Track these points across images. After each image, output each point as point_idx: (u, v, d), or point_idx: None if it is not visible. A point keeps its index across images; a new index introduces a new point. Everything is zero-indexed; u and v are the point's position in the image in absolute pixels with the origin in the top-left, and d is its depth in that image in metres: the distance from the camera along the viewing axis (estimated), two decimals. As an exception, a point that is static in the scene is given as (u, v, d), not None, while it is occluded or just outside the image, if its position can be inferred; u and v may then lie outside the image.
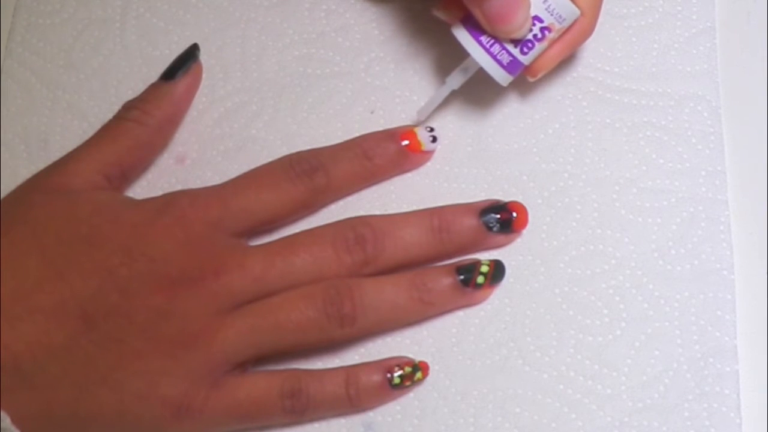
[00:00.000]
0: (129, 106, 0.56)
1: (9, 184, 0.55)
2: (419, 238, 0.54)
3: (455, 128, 0.58)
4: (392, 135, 0.57)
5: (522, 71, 0.54)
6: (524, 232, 0.56)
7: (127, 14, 0.61)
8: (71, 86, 0.60)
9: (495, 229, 0.55)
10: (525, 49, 0.53)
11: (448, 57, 0.59)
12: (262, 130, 0.58)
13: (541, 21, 0.52)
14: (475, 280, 0.54)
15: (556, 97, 0.59)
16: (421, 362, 0.54)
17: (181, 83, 0.57)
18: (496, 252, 0.56)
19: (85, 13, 0.61)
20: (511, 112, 0.58)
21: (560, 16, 0.53)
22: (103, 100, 0.59)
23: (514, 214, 0.55)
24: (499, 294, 0.55)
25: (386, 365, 0.53)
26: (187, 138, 0.58)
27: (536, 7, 0.52)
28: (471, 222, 0.55)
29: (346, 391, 0.52)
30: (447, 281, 0.54)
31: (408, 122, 0.58)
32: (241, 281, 0.51)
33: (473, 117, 0.58)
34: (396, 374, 0.53)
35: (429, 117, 0.57)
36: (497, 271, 0.55)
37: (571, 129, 0.58)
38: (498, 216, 0.55)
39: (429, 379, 0.54)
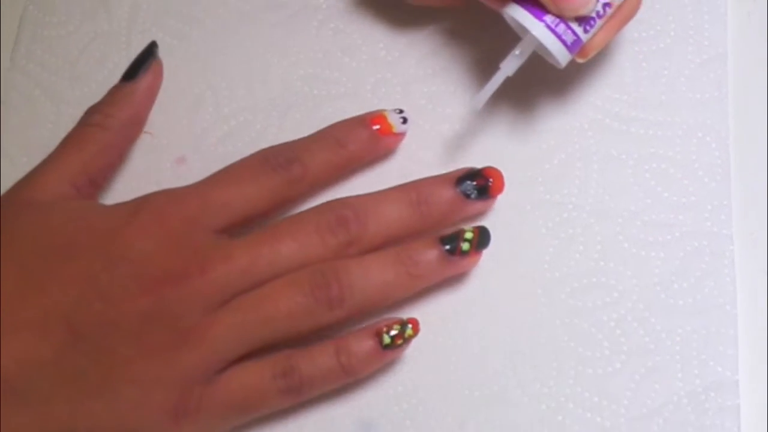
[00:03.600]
0: (91, 111, 0.58)
1: None
2: (400, 213, 0.56)
3: (461, 153, 0.60)
4: (363, 120, 0.59)
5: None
6: (527, 262, 0.58)
7: (132, 28, 0.63)
8: (75, 99, 0.62)
9: (473, 196, 0.57)
10: (588, 27, 0.54)
11: (456, 80, 0.62)
12: (267, 151, 0.61)
13: None
14: (461, 248, 0.56)
15: (563, 126, 0.60)
16: (409, 319, 0.56)
17: (142, 82, 0.59)
18: (494, 273, 0.58)
19: (91, 26, 0.64)
20: (517, 141, 0.60)
21: None
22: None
23: (490, 180, 0.57)
24: (499, 324, 0.57)
25: (375, 328, 0.55)
26: (190, 156, 0.61)
27: None
28: (448, 192, 0.57)
29: (338, 360, 0.54)
30: (433, 252, 0.56)
31: (414, 145, 0.61)
32: (227, 275, 0.52)
33: (479, 146, 0.60)
34: (386, 334, 0.55)
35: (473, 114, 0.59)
36: (482, 236, 0.57)
37: (576, 160, 0.60)
38: (474, 183, 0.57)
39: (427, 407, 0.56)
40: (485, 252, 0.58)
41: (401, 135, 0.60)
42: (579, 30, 0.54)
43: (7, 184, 0.59)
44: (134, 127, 0.60)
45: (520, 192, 0.60)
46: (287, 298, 0.53)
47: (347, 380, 0.56)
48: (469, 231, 0.56)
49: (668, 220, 0.59)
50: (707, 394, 0.56)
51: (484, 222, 0.59)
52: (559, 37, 0.53)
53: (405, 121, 0.60)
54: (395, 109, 0.60)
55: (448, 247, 0.56)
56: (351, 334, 0.55)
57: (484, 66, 0.62)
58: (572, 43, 0.54)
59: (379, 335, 0.55)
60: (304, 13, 0.64)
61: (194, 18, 0.64)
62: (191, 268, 0.52)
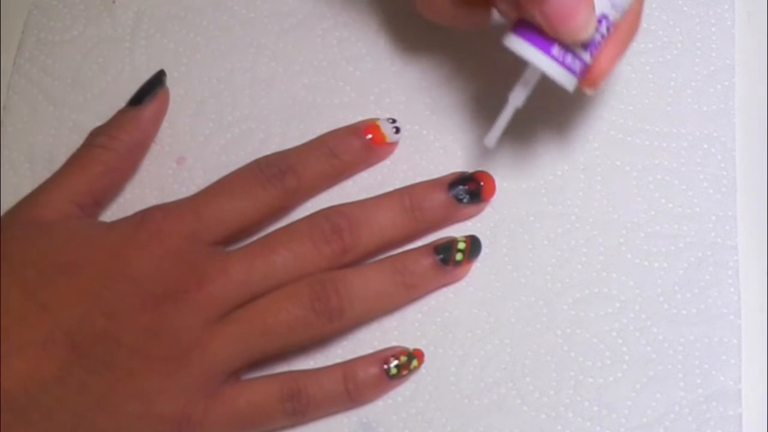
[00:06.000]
0: (97, 133, 0.60)
1: (11, 202, 0.58)
2: (393, 220, 0.58)
3: (463, 166, 0.61)
4: (356, 130, 0.61)
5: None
6: (529, 273, 0.59)
7: (136, 34, 0.65)
8: (78, 105, 0.63)
9: (465, 200, 0.59)
10: (593, 51, 0.53)
11: (462, 92, 0.63)
12: (269, 160, 0.61)
13: (607, 18, 0.52)
14: (454, 258, 0.58)
15: (566, 137, 0.62)
16: (415, 350, 0.58)
17: (148, 109, 0.61)
18: (496, 283, 0.59)
19: (95, 31, 0.65)
20: (520, 151, 0.62)
21: (623, 9, 0.53)
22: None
23: (482, 183, 0.60)
24: (499, 334, 0.58)
25: (382, 357, 0.57)
26: (192, 164, 0.62)
27: (602, 5, 0.52)
28: (441, 196, 0.59)
29: (345, 387, 0.56)
30: (427, 262, 0.58)
31: (417, 156, 0.62)
32: (225, 288, 0.54)
33: (482, 156, 0.62)
34: (392, 365, 0.57)
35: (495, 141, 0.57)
36: (474, 246, 0.59)
37: (580, 171, 0.61)
38: (466, 187, 0.59)
39: (426, 417, 0.57)
40: (487, 261, 0.60)
41: (394, 145, 0.62)
42: (586, 56, 0.53)
43: (8, 189, 0.61)
44: (139, 151, 0.61)
45: (522, 202, 0.61)
46: (286, 310, 0.55)
47: (351, 406, 0.57)
48: (462, 241, 0.59)
49: (672, 231, 0.60)
50: (709, 403, 0.57)
51: (487, 232, 0.60)
52: (568, 68, 0.53)
53: (398, 130, 0.61)
54: (388, 119, 0.62)
55: (441, 256, 0.58)
56: (358, 360, 0.58)
57: (488, 77, 0.63)
58: (580, 71, 0.53)
59: (386, 364, 0.57)
60: (308, 21, 0.65)
61: (198, 25, 0.65)
62: (189, 283, 0.54)
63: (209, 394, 0.54)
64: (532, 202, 0.61)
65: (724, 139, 0.62)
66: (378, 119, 0.61)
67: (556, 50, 0.52)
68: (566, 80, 0.53)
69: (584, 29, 0.51)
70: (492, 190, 0.60)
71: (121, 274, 0.54)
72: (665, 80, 0.63)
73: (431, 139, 0.62)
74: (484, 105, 0.63)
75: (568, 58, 0.52)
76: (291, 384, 0.56)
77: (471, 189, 0.60)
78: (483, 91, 0.63)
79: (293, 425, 0.57)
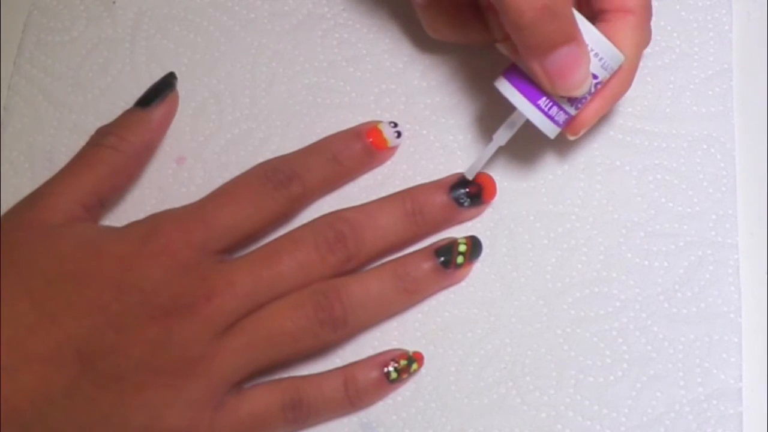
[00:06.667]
0: (104, 132, 0.59)
1: (11, 202, 0.58)
2: (395, 224, 0.58)
3: (464, 167, 0.61)
4: (358, 134, 0.61)
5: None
6: (529, 272, 0.60)
7: (137, 35, 0.65)
8: (78, 106, 0.63)
9: (465, 204, 0.59)
10: (579, 105, 0.56)
11: (461, 92, 0.63)
12: (269, 160, 0.61)
13: (596, 78, 0.55)
14: (455, 261, 0.58)
15: (566, 137, 0.60)
16: (415, 353, 0.58)
17: (157, 111, 0.60)
18: (496, 282, 0.60)
19: (95, 32, 0.65)
20: (519, 151, 0.61)
21: (612, 69, 0.55)
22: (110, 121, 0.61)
23: (482, 186, 0.60)
24: (500, 334, 0.59)
25: (381, 360, 0.57)
26: (192, 164, 0.62)
27: (593, 65, 0.54)
28: (442, 200, 0.59)
29: (346, 393, 0.56)
30: (428, 266, 0.58)
31: (417, 156, 0.62)
32: (232, 301, 0.54)
33: None
34: (392, 368, 0.57)
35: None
36: (474, 247, 0.59)
37: (580, 171, 0.61)
38: (467, 190, 0.59)
39: (426, 416, 0.57)
40: (487, 261, 0.60)
41: (394, 149, 0.62)
42: (571, 110, 0.56)
43: (8, 189, 0.61)
44: (146, 154, 0.61)
45: (523, 202, 0.61)
46: (291, 321, 0.55)
47: (351, 411, 0.58)
48: (463, 243, 0.59)
49: (672, 230, 0.60)
50: (709, 402, 0.57)
51: (487, 232, 0.60)
52: (551, 118, 0.56)
53: (399, 135, 0.62)
54: (390, 122, 0.62)
55: (443, 259, 0.58)
56: (358, 365, 0.58)
57: (487, 77, 0.62)
58: (563, 122, 0.56)
59: (386, 368, 0.57)
60: (309, 22, 0.65)
61: (199, 26, 0.65)
62: (198, 297, 0.54)
63: (215, 406, 0.54)
64: (532, 202, 0.61)
65: (724, 139, 0.62)
66: (380, 122, 0.61)
67: (543, 101, 0.55)
68: (549, 129, 0.56)
69: (580, 86, 0.54)
70: (493, 192, 0.61)
71: (131, 286, 0.53)
72: (664, 83, 0.64)
73: (431, 139, 0.63)
74: (484, 105, 0.63)
75: (554, 110, 0.55)
76: (292, 392, 0.56)
77: (472, 192, 0.60)
78: (483, 91, 0.63)
79: (294, 431, 0.57)
